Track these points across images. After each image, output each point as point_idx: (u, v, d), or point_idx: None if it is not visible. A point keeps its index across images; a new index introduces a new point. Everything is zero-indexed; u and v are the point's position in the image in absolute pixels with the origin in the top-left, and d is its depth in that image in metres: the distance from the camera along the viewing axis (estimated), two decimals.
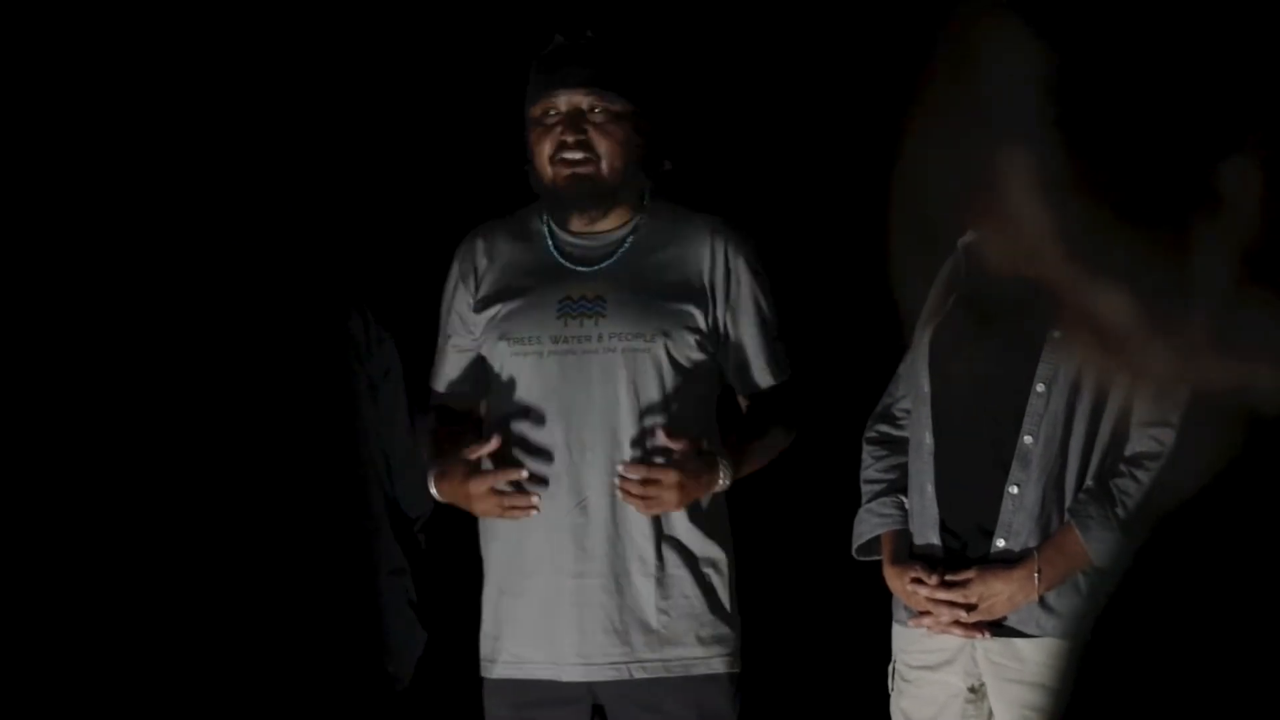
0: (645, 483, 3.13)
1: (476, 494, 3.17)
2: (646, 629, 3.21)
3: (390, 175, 4.25)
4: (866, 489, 3.29)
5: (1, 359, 3.87)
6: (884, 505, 3.24)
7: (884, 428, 3.32)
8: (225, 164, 3.68)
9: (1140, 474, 3.00)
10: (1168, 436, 2.97)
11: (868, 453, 3.32)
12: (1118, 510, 2.99)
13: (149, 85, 4.04)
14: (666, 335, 3.24)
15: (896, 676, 3.24)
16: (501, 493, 3.17)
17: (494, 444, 3.18)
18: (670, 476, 3.13)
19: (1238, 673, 0.72)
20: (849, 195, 4.23)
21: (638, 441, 3.19)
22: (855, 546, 3.28)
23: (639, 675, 3.21)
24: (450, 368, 3.39)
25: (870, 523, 3.25)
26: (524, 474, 3.17)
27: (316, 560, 3.48)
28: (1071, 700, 0.75)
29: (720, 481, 3.19)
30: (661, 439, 3.15)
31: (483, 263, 3.35)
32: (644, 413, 3.21)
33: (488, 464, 3.21)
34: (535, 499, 3.17)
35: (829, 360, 3.40)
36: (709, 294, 3.29)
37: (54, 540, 3.87)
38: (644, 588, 3.21)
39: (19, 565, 3.90)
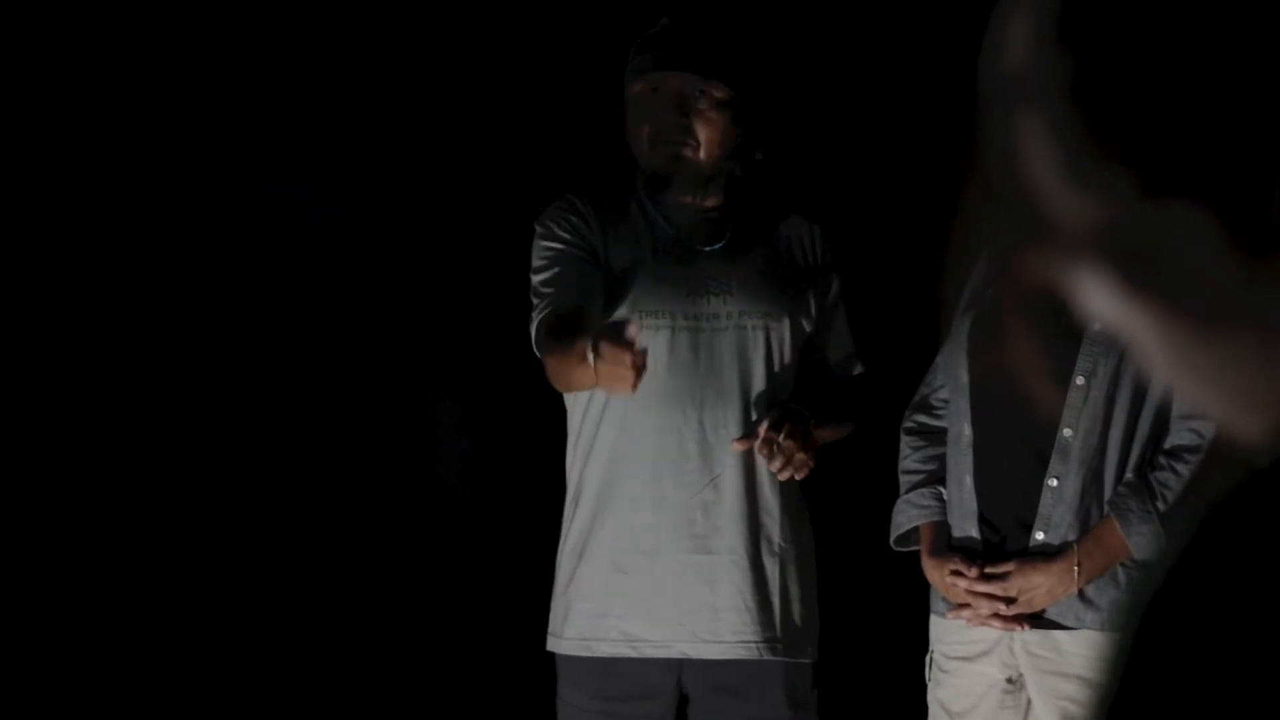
0: (776, 443, 3.04)
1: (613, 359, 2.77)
2: (770, 610, 3.17)
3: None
4: (905, 479, 3.29)
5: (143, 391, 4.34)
6: (922, 496, 3.24)
7: (922, 418, 3.31)
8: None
9: (1180, 467, 2.99)
10: (1207, 429, 2.96)
11: (906, 443, 3.31)
12: (1157, 503, 2.98)
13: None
14: (791, 314, 3.23)
15: (934, 667, 3.24)
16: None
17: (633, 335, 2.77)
18: (783, 435, 3.05)
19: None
20: (878, 185, 4.23)
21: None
22: (893, 537, 3.28)
23: (767, 656, 3.16)
24: (573, 283, 3.14)
25: (908, 514, 3.25)
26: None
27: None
28: (1117, 694, 0.74)
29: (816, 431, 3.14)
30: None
31: (592, 222, 3.22)
32: (776, 389, 3.17)
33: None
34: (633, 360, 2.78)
35: (865, 349, 3.39)
36: (811, 279, 3.29)
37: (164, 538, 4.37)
38: (771, 569, 3.18)
39: (136, 565, 4.32)
